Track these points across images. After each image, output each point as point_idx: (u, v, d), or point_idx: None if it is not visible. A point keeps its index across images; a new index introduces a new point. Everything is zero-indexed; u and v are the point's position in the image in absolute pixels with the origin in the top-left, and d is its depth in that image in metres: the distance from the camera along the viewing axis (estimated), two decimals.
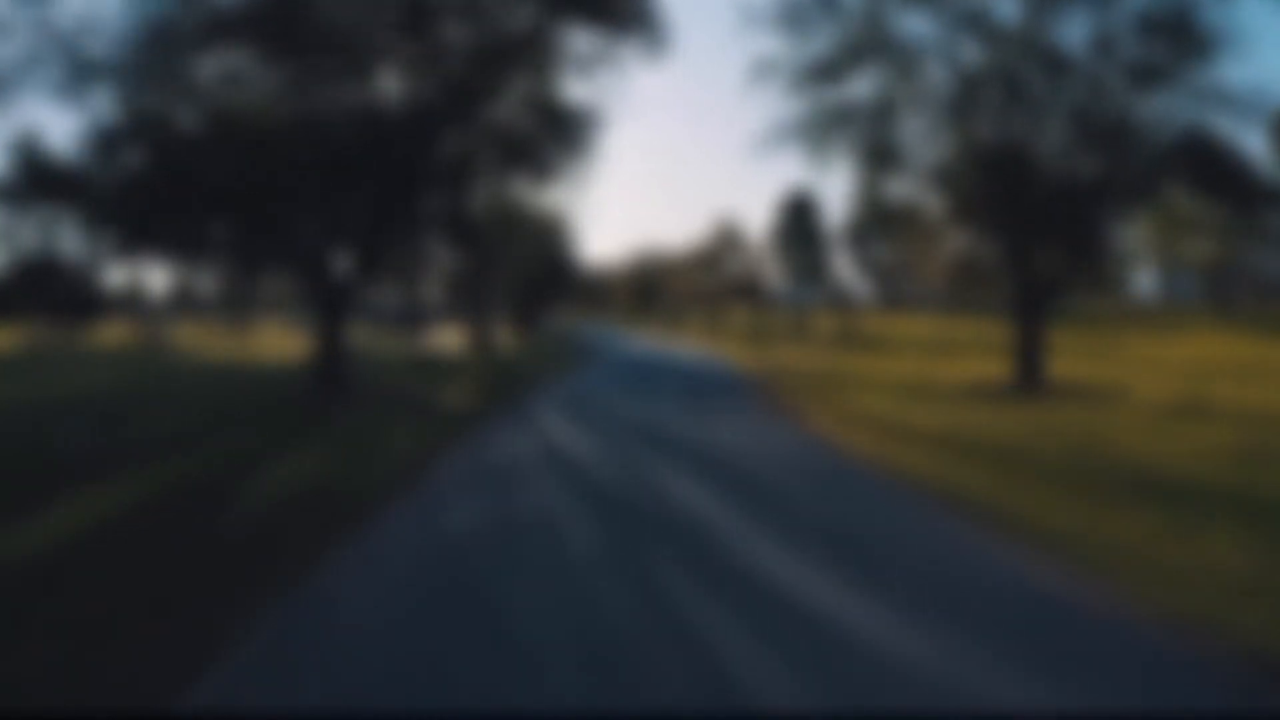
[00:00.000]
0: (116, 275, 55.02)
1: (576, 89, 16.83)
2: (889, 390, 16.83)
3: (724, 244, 69.82)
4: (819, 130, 16.27)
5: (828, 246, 62.40)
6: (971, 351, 29.46)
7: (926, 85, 15.99)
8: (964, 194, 16.33)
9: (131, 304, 61.91)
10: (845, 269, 67.78)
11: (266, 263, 15.30)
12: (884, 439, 10.88)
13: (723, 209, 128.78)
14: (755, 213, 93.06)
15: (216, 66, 14.56)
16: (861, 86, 16.19)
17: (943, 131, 16.13)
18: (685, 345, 40.91)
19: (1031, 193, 15.79)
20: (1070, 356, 22.08)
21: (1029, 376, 16.36)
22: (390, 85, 14.79)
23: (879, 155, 16.34)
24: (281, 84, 14.31)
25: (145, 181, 14.55)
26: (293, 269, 15.12)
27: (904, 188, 16.86)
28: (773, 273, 64.19)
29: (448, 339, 39.94)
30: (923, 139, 16.24)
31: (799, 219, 61.03)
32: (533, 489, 7.82)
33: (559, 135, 16.32)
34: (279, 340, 43.84)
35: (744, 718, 3.41)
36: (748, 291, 67.78)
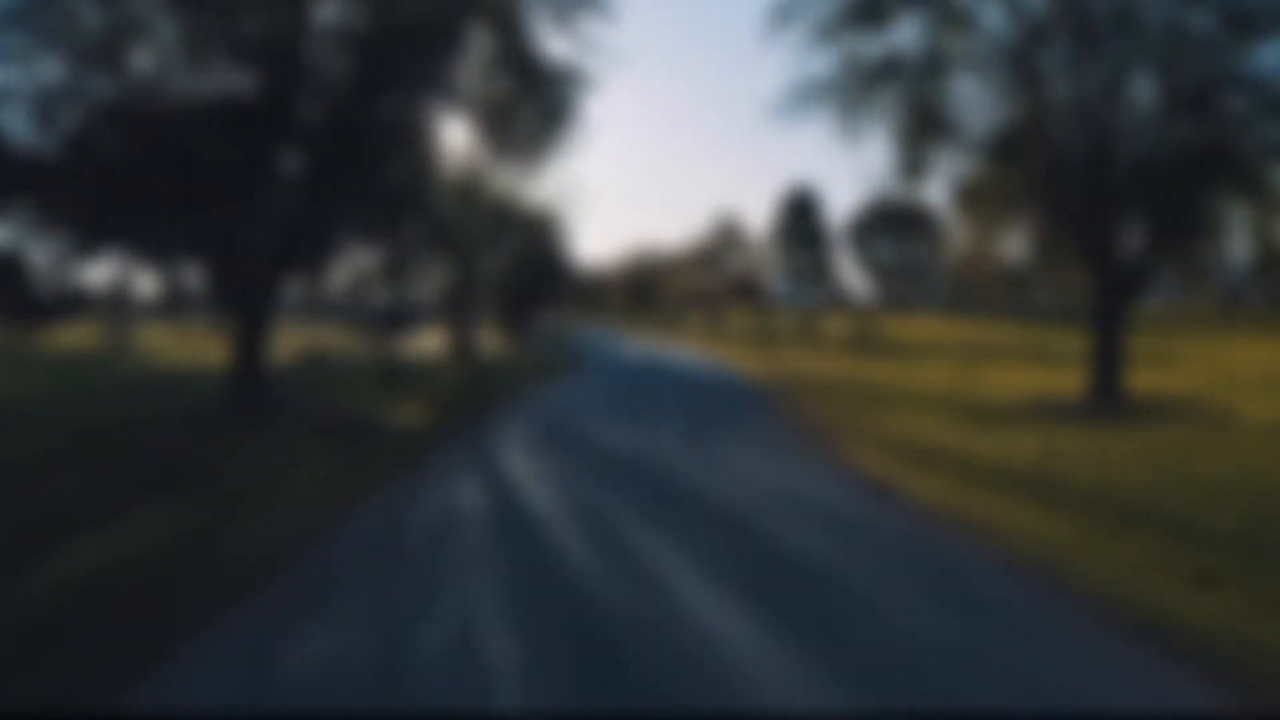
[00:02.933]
0: (98, 274, 51.80)
1: (554, 43, 13.88)
2: (935, 407, 13.95)
3: (723, 242, 66.89)
4: (851, 90, 13.33)
5: (830, 245, 59.68)
6: (1009, 357, 26.62)
7: (983, 34, 13.08)
8: (1028, 169, 13.42)
9: (118, 305, 58.69)
10: (848, 269, 65.22)
11: (165, 251, 12.30)
12: (961, 483, 8.04)
13: (722, 206, 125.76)
14: (755, 210, 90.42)
15: (103, 11, 11.64)
16: (904, 35, 13.28)
17: (1002, 91, 13.19)
18: (685, 349, 37.91)
19: (1112, 168, 12.91)
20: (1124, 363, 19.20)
21: (1107, 390, 13.48)
22: (325, 18, 11.83)
23: (924, 120, 13.37)
24: (182, 29, 11.39)
25: (23, 154, 11.69)
26: (197, 257, 12.16)
27: (954, 162, 13.89)
28: (773, 272, 61.48)
29: (429, 343, 36.95)
30: (978, 100, 13.32)
31: (801, 217, 58.36)
32: (464, 592, 4.93)
33: (535, 99, 13.42)
34: None
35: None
36: (748, 292, 64.89)
